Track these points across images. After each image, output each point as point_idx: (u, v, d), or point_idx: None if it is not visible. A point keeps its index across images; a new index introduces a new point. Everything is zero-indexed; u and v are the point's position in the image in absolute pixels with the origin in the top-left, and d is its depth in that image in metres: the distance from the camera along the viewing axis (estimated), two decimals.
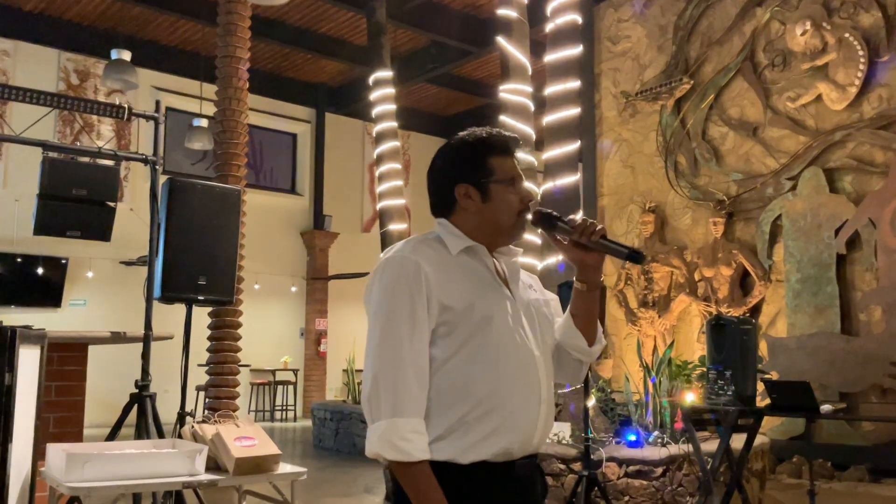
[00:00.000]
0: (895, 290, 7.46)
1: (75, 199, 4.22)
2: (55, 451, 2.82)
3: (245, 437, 3.08)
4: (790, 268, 8.52)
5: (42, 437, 2.88)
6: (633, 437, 5.39)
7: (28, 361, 2.64)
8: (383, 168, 10.08)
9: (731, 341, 4.82)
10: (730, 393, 4.80)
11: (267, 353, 13.83)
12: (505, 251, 1.73)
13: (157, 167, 4.37)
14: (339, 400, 10.27)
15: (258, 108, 13.28)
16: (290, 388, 14.20)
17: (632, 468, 5.23)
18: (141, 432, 3.84)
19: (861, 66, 7.96)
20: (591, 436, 4.69)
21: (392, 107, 10.11)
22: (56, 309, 12.01)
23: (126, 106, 4.26)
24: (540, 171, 7.08)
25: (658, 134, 9.88)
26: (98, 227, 4.33)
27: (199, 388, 10.07)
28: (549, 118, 6.40)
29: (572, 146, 6.27)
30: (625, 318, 9.97)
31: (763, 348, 8.07)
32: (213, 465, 3.02)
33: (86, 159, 4.40)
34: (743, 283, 9.06)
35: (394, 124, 10.10)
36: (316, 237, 15.19)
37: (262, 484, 3.18)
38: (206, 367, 7.63)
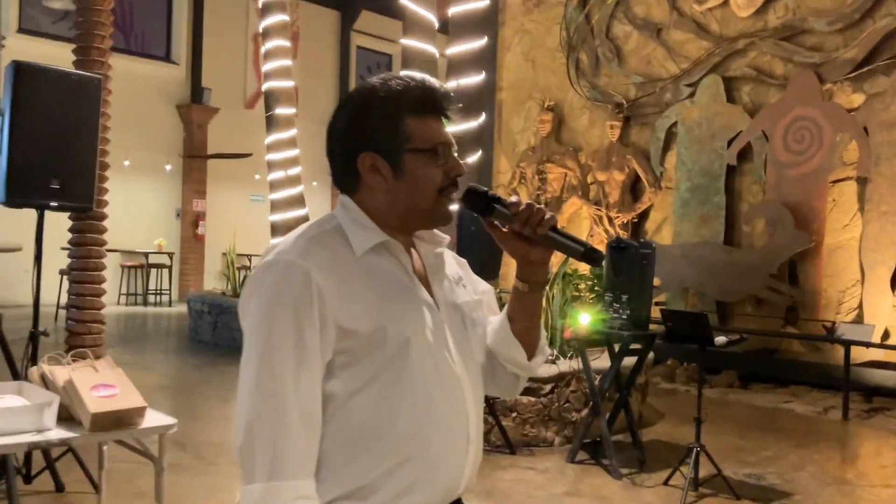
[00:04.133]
0: (780, 205, 7.60)
1: None
2: None
3: (104, 384, 2.68)
4: (681, 176, 8.54)
5: None
6: None
7: None
8: (269, 45, 9.28)
9: (629, 265, 4.72)
10: (624, 317, 4.74)
11: (139, 235, 13.02)
12: (427, 237, 1.37)
13: (3, 43, 3.68)
14: (219, 292, 9.79)
15: None
16: (165, 271, 13.51)
17: None
18: None
19: None
20: None
21: None
22: None
23: None
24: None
25: (562, 28, 9.50)
26: None
27: (62, 273, 9.36)
28: (455, 8, 5.90)
29: (479, 42, 5.83)
30: None
31: None
32: (66, 416, 2.63)
33: None
34: (634, 188, 9.05)
35: None
36: (193, 111, 14.13)
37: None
38: (69, 251, 6.95)
